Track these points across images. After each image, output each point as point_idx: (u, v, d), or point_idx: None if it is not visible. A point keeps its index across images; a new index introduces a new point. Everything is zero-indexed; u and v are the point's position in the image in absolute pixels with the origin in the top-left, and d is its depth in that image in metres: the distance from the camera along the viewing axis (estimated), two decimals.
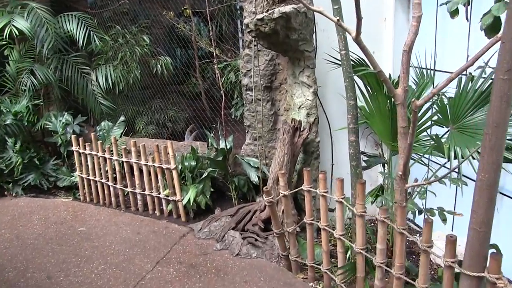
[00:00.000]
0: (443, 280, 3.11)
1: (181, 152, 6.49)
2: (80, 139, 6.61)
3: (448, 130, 3.87)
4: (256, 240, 4.94)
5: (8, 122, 7.00)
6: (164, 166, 5.76)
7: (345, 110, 5.28)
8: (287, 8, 4.40)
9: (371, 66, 3.03)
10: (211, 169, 5.71)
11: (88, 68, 7.66)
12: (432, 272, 4.62)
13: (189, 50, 10.76)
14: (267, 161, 5.63)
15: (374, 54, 4.83)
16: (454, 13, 3.05)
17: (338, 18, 2.81)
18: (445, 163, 3.75)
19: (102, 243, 5.47)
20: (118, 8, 8.47)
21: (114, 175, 6.42)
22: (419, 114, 4.43)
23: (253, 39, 5.22)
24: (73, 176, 7.01)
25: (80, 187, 6.85)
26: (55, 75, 7.43)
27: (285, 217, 4.40)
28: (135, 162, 6.09)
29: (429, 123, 4.14)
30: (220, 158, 5.55)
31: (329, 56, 4.84)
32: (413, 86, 4.50)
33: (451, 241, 2.94)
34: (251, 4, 4.99)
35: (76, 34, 7.23)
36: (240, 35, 10.16)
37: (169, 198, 5.87)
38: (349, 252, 4.29)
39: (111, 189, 6.47)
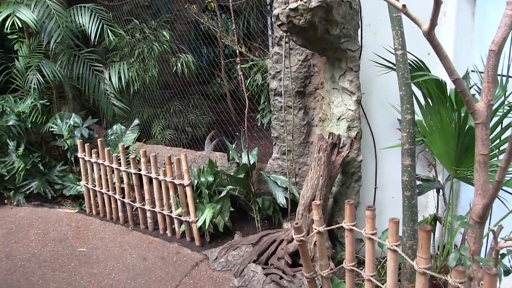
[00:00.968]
0: None
1: (198, 163, 5.57)
2: (86, 145, 5.75)
3: None
4: (281, 278, 3.98)
5: (11, 123, 6.19)
6: (177, 181, 4.84)
7: (393, 123, 4.28)
8: None
9: (442, 71, 2.05)
10: (231, 187, 4.77)
11: (101, 65, 6.80)
12: None
13: (215, 48, 9.91)
14: (297, 179, 4.66)
15: (429, 55, 3.84)
16: None
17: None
18: None
19: (101, 270, 4.59)
20: (139, 1, 7.61)
21: (123, 186, 5.55)
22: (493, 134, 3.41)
23: (285, 34, 4.26)
24: (80, 185, 6.16)
25: (85, 198, 5.99)
26: (65, 73, 6.61)
27: (319, 258, 3.42)
28: (144, 175, 5.19)
29: None
30: (242, 176, 4.60)
31: (378, 56, 3.85)
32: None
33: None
34: None
35: (88, 27, 6.38)
36: (269, 32, 9.25)
37: (182, 218, 4.96)
38: None
39: (119, 203, 5.59)
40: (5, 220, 5.81)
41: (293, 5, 3.43)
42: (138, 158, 5.62)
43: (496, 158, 3.45)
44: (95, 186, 5.80)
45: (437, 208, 4.11)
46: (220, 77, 8.82)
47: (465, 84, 2.28)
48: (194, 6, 7.22)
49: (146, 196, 5.25)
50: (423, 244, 2.60)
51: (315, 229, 3.32)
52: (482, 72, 3.52)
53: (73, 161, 6.50)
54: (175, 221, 5.10)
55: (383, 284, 3.00)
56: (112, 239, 5.24)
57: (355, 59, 3.86)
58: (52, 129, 6.42)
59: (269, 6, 6.91)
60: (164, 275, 4.42)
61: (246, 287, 4.08)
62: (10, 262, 4.80)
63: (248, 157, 4.69)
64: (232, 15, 4.55)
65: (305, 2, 3.38)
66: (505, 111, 3.30)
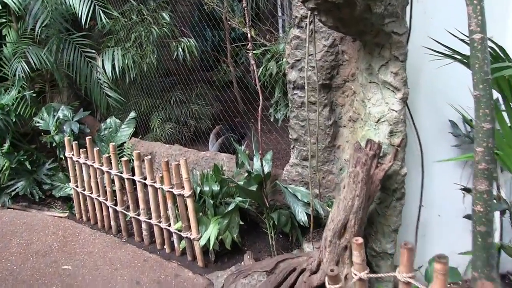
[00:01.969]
0: None
1: (201, 166, 4.61)
2: (74, 143, 4.81)
3: None
4: None
5: None
6: (176, 191, 3.90)
7: (443, 126, 3.31)
8: None
9: None
10: (240, 199, 3.83)
11: (94, 51, 5.81)
12: None
13: (220, 31, 8.89)
14: (320, 190, 3.72)
15: (492, 38, 2.86)
16: None
17: None
18: None
19: None
20: None
21: (115, 190, 4.62)
22: None
23: (309, 13, 3.28)
24: (69, 187, 5.24)
25: (75, 203, 5.07)
26: (55, 60, 5.64)
27: None
28: (138, 181, 4.25)
29: None
30: (254, 188, 3.65)
31: (434, 41, 2.87)
32: None
33: None
34: None
35: (78, 9, 5.38)
36: (279, 13, 8.21)
37: (182, 234, 4.03)
38: None
39: (110, 210, 4.66)
40: None
41: None
42: (131, 160, 4.67)
43: None
44: (84, 190, 4.87)
45: (502, 234, 3.16)
46: (226, 63, 7.83)
47: None
48: None
49: (141, 205, 4.32)
50: None
51: (355, 274, 2.39)
52: None
53: (62, 159, 5.56)
54: (175, 235, 4.17)
55: None
56: (102, 254, 4.33)
57: (401, 45, 2.86)
58: (37, 124, 5.47)
59: None
60: None
61: None
62: None
63: (262, 165, 3.73)
64: None
65: None
66: None
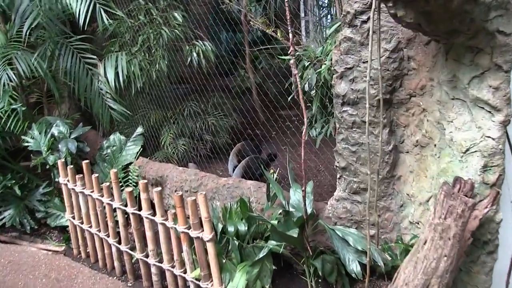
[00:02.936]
0: None
1: (222, 195, 3.87)
2: (69, 168, 4.10)
3: None
4: None
5: None
6: (193, 233, 3.16)
7: None
8: None
9: None
10: (274, 243, 3.08)
11: (95, 57, 5.10)
12: None
13: (236, 34, 8.18)
14: (379, 233, 2.97)
15: None
16: None
17: None
18: None
19: None
20: None
21: (118, 227, 3.90)
22: None
23: (375, 6, 2.53)
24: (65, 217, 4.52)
25: (72, 237, 4.35)
26: (49, 67, 4.96)
27: None
28: (146, 217, 3.53)
29: None
30: (294, 234, 2.89)
31: None
32: None
33: None
34: None
35: (76, 8, 4.68)
36: (302, 14, 7.49)
37: (201, 284, 3.29)
38: None
39: (113, 248, 3.94)
40: None
41: None
42: (138, 187, 3.95)
43: None
44: (82, 223, 4.16)
45: None
46: (244, 68, 7.12)
47: None
48: None
49: (150, 246, 3.58)
50: None
51: None
52: None
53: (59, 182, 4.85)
54: (192, 285, 3.42)
55: None
56: None
57: (508, 49, 2.11)
58: (26, 145, 4.76)
59: None
60: None
61: None
62: None
63: (305, 204, 2.97)
64: None
65: None
66: None
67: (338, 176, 3.13)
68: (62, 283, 3.91)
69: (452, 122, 2.39)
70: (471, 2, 1.85)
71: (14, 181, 4.68)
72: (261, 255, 3.03)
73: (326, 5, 6.21)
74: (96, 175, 3.87)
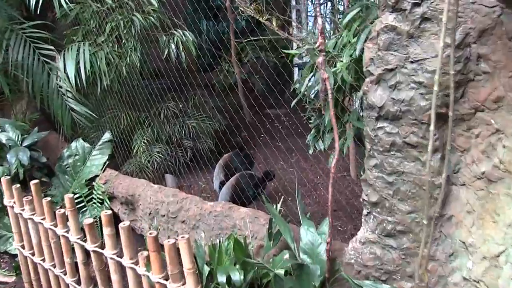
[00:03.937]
0: None
1: (208, 225, 3.03)
2: (14, 187, 3.19)
3: None
4: None
5: None
6: (172, 286, 2.33)
7: None
8: None
9: None
10: None
11: (52, 48, 4.17)
12: None
13: (219, 23, 7.32)
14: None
15: None
16: None
17: None
18: None
19: None
20: None
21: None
22: None
23: None
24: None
25: (22, 268, 3.44)
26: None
27: None
28: (111, 258, 2.67)
29: None
30: None
31: None
32: None
33: None
34: None
35: None
36: (293, 2, 6.66)
37: None
38: None
39: None
40: None
41: None
42: (99, 217, 3.08)
43: None
44: (34, 254, 3.27)
45: None
46: (229, 62, 6.27)
47: None
48: None
49: None
50: None
51: None
52: None
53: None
54: None
55: None
56: None
57: None
58: None
59: None
60: None
61: None
62: None
63: (329, 256, 2.16)
64: None
65: None
66: None
67: (365, 212, 2.32)
68: None
69: None
70: None
71: None
72: None
73: None
74: (48, 199, 2.96)
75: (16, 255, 3.82)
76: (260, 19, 3.88)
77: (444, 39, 1.72)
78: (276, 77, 5.15)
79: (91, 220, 2.70)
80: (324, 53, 1.88)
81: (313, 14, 5.36)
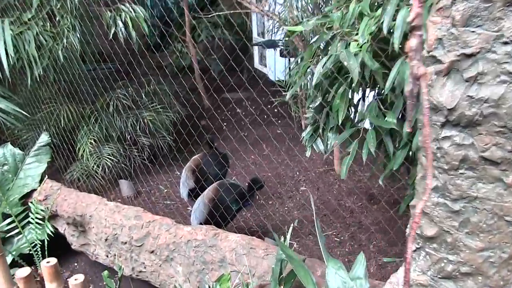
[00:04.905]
0: None
1: (185, 256, 2.31)
2: None
3: None
4: None
5: None
6: None
7: None
8: None
9: None
10: None
11: None
12: None
13: None
14: None
15: None
16: None
17: None
18: None
19: None
20: None
21: None
22: None
23: None
24: None
25: None
26: None
27: None
28: None
29: None
30: None
31: None
32: None
33: None
34: None
35: None
36: None
37: None
38: None
39: None
40: None
41: None
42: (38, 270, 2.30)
43: None
44: None
45: None
46: (183, 41, 5.48)
47: None
48: None
49: None
50: None
51: None
52: None
53: None
54: None
55: None
56: None
57: None
58: None
59: None
60: None
61: None
62: None
63: None
64: None
65: None
66: None
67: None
68: None
69: None
70: None
71: None
72: None
73: None
74: None
75: None
76: None
77: None
78: (234, 57, 4.48)
79: (27, 272, 1.91)
80: (420, 33, 1.18)
81: None
